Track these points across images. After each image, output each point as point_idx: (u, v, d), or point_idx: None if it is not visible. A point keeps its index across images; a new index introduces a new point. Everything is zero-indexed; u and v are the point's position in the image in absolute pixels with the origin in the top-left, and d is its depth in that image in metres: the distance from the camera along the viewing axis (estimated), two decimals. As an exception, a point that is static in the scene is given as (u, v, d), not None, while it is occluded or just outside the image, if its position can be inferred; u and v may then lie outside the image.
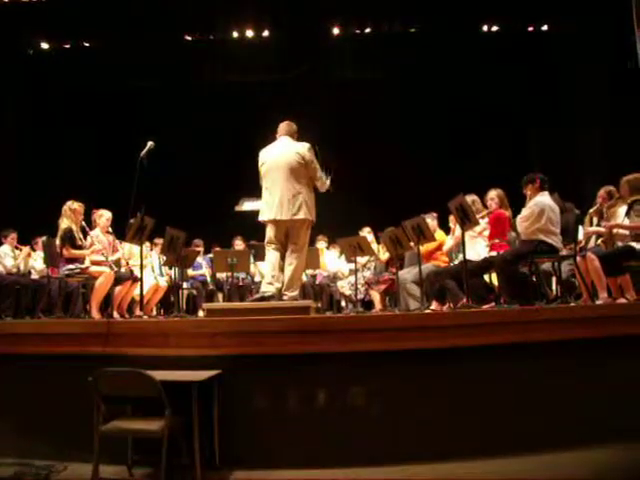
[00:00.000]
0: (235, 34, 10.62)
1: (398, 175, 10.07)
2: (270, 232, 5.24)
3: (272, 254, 5.22)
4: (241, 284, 8.16)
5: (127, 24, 9.79)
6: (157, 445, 3.35)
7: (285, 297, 5.02)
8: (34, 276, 7.42)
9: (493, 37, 10.49)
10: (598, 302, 4.93)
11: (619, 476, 3.54)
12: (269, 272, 5.19)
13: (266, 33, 10.62)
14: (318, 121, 9.45)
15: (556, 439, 3.85)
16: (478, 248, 5.90)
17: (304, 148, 5.19)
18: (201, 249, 8.52)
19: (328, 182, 5.33)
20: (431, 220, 6.51)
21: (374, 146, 10.30)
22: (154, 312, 7.24)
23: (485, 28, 10.43)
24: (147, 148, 5.00)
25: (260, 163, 5.33)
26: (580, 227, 6.04)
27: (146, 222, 5.38)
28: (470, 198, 5.67)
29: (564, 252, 5.47)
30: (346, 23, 10.63)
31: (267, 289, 5.08)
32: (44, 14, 9.52)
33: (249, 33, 10.58)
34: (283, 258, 5.20)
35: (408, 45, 10.54)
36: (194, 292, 8.31)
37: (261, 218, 5.27)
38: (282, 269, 5.17)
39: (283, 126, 5.43)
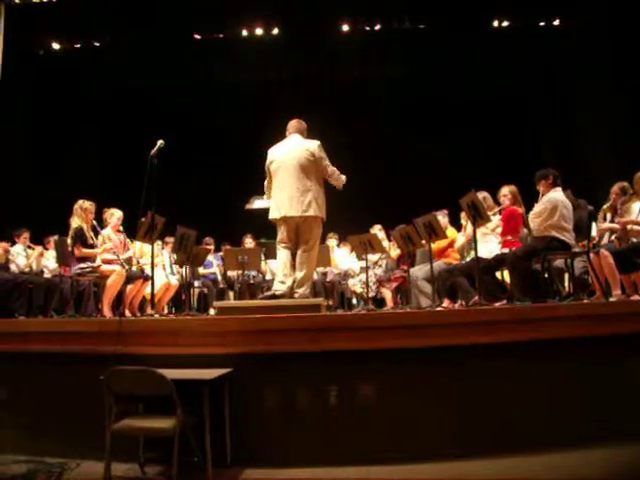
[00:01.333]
0: (245, 32, 10.63)
1: (409, 172, 10.03)
2: (281, 231, 5.20)
3: (283, 253, 5.19)
4: (252, 282, 8.16)
5: (137, 24, 9.83)
6: (169, 443, 3.35)
7: (296, 295, 5.00)
8: (46, 275, 7.47)
9: (505, 33, 10.41)
10: (611, 299, 4.90)
11: (634, 476, 3.50)
12: (281, 271, 5.16)
13: (275, 31, 10.62)
14: (327, 119, 9.46)
15: (567, 438, 3.82)
16: (490, 245, 5.87)
17: (314, 145, 5.15)
18: (212, 247, 8.55)
19: (344, 177, 5.29)
20: (442, 217, 6.49)
21: (385, 143, 10.27)
22: (165, 310, 7.28)
23: (496, 24, 10.37)
24: (157, 147, 5.00)
25: (269, 161, 5.29)
26: (593, 223, 5.99)
27: (157, 221, 5.39)
28: (481, 195, 5.64)
29: (577, 249, 5.42)
30: (355, 20, 10.60)
31: (279, 288, 5.06)
32: (55, 14, 9.57)
33: (259, 31, 10.59)
34: (294, 256, 5.19)
35: (418, 42, 10.51)
36: (205, 290, 8.33)
37: (272, 216, 5.22)
38: (294, 267, 5.16)
39: (293, 124, 5.39)
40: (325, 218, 5.20)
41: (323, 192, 5.22)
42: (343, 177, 5.29)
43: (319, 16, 10.17)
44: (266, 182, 5.38)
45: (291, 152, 5.16)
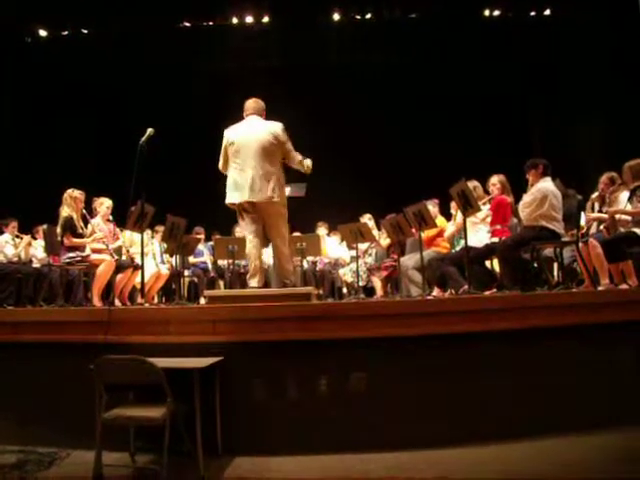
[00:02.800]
0: (235, 20, 10.57)
1: (399, 161, 10.03)
2: (243, 215, 5.01)
3: (252, 242, 5.02)
4: (242, 271, 8.14)
5: (125, 11, 9.74)
6: (159, 432, 3.34)
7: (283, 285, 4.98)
8: (35, 264, 7.41)
9: (495, 22, 10.41)
10: (600, 288, 4.93)
11: (619, 460, 3.54)
12: (251, 262, 5.01)
13: (266, 19, 10.56)
14: (318, 106, 9.43)
15: (556, 425, 3.86)
16: (479, 235, 5.89)
17: (278, 128, 4.97)
18: (202, 236, 8.52)
19: (309, 162, 5.07)
20: (432, 206, 6.50)
21: (375, 132, 10.25)
22: (155, 300, 7.26)
23: (487, 13, 10.37)
24: (147, 135, 4.94)
25: (228, 142, 5.04)
26: (582, 213, 6.03)
27: (147, 210, 5.36)
28: (472, 184, 5.65)
29: (566, 238, 5.45)
30: (346, 8, 10.56)
31: (253, 284, 4.96)
32: (42, 1, 9.46)
33: (249, 19, 10.53)
34: (260, 236, 5.06)
35: (408, 31, 10.50)
36: (195, 279, 8.31)
37: (230, 201, 5.01)
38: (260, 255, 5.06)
39: (251, 104, 5.18)
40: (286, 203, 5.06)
41: (284, 177, 5.06)
42: (308, 160, 5.07)
43: (310, 4, 10.12)
44: (221, 164, 5.16)
45: (253, 134, 4.95)
